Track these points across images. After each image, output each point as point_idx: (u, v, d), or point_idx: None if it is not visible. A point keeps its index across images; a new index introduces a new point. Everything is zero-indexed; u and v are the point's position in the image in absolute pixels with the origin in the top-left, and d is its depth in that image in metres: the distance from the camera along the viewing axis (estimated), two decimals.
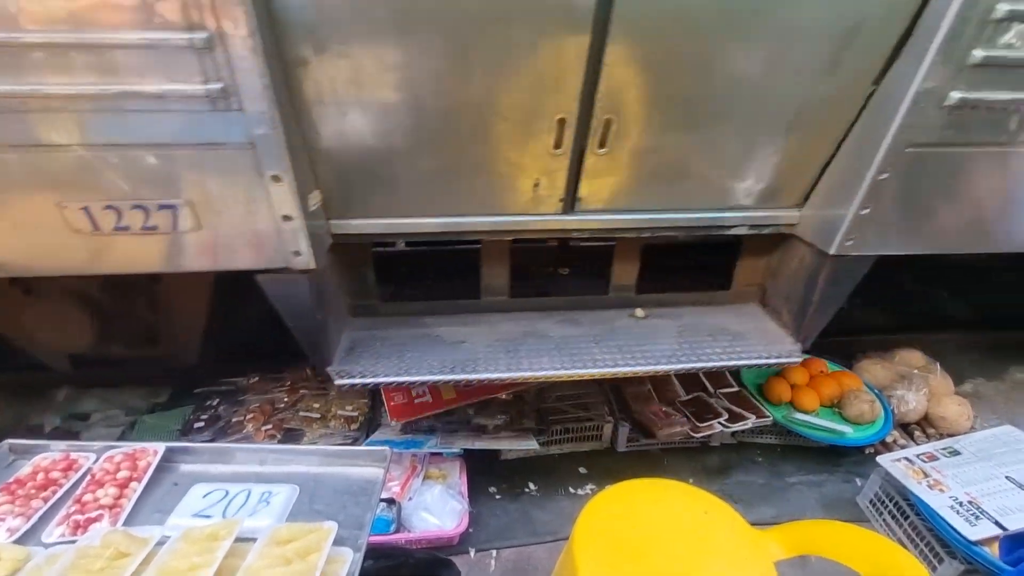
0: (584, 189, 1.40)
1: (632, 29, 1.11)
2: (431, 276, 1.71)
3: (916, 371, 2.11)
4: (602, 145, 1.30)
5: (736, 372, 2.02)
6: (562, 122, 1.24)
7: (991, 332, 2.48)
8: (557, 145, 1.28)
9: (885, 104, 1.22)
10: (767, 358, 1.56)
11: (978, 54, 1.10)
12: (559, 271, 1.75)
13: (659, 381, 2.00)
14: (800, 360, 1.58)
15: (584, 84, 1.18)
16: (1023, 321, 2.47)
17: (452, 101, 1.18)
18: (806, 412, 1.90)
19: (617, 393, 1.98)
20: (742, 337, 1.65)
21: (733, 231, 1.54)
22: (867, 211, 1.33)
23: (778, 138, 1.34)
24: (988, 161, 1.27)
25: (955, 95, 1.15)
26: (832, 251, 1.40)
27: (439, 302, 1.72)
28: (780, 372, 2.00)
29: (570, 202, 1.42)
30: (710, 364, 1.54)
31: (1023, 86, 1.15)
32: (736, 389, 1.97)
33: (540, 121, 1.24)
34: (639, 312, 1.76)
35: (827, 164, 1.40)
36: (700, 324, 1.71)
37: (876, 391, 2.01)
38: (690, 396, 1.94)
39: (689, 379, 2.00)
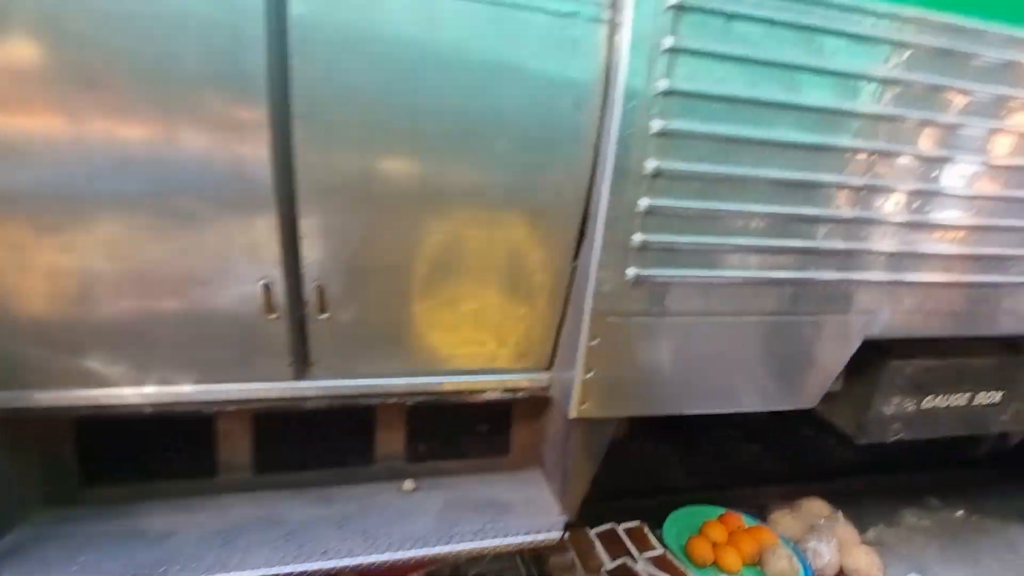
0: (314, 354, 1.33)
1: (323, 203, 1.16)
2: (156, 451, 1.47)
3: (823, 520, 2.13)
4: (322, 310, 1.27)
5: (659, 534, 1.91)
6: (268, 287, 1.21)
7: (881, 476, 2.62)
8: (269, 310, 1.24)
9: (583, 278, 1.33)
10: (525, 535, 1.44)
11: (637, 238, 1.26)
12: (318, 440, 1.59)
13: (582, 549, 1.81)
14: (560, 535, 1.47)
15: (284, 251, 1.19)
16: (907, 464, 2.65)
17: (131, 265, 1.13)
18: (731, 574, 1.82)
19: (540, 565, 1.74)
20: (508, 510, 1.53)
21: (486, 396, 1.52)
22: (591, 375, 1.37)
23: (505, 304, 1.40)
24: (681, 329, 1.39)
25: (631, 272, 1.29)
26: (571, 415, 1.40)
27: (166, 483, 1.47)
28: (700, 530, 1.95)
29: (301, 368, 1.34)
30: (461, 546, 1.38)
31: (677, 263, 1.30)
32: (660, 552, 1.83)
33: (243, 285, 1.20)
34: (408, 484, 1.60)
35: (560, 328, 1.47)
36: (470, 496, 1.58)
37: (792, 545, 1.98)
38: (615, 563, 1.75)
39: (612, 543, 1.84)
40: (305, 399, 1.38)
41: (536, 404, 1.66)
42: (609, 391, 1.40)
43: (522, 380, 1.53)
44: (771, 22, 1.18)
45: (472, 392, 1.50)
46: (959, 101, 1.39)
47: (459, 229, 1.27)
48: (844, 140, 1.32)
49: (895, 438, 1.99)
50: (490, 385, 1.50)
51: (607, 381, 1.39)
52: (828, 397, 2.00)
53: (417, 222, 1.24)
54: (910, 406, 1.96)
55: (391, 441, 1.61)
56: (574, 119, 1.20)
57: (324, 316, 1.28)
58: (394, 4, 1.06)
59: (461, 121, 1.15)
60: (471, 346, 1.44)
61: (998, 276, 1.65)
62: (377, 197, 1.18)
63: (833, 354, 1.57)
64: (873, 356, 1.82)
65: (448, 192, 1.22)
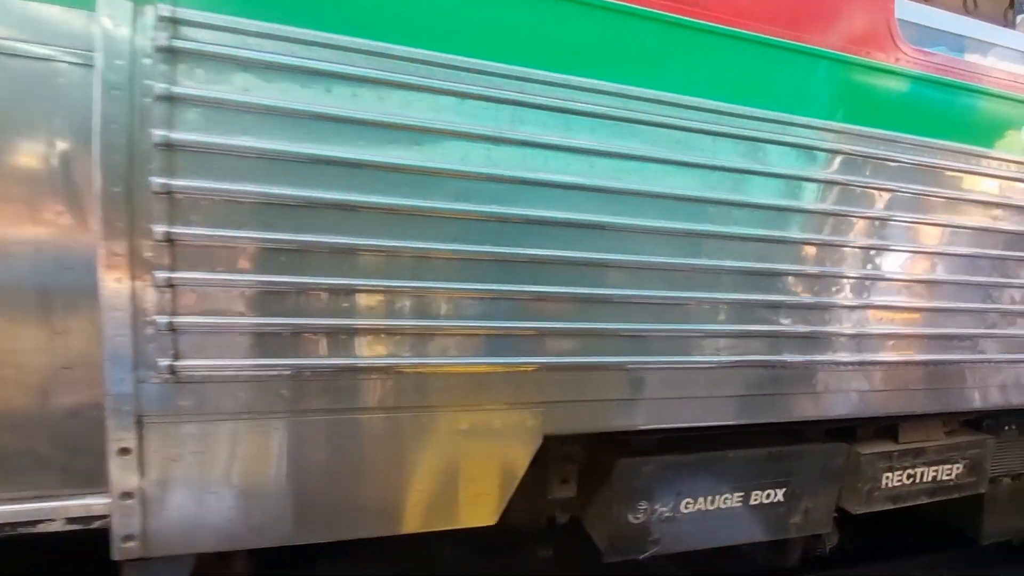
0: None
1: None
2: None
3: None
4: None
5: None
6: None
7: None
8: None
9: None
10: None
11: (162, 320, 1.01)
12: None
13: None
14: None
15: None
16: None
17: None
18: None
19: None
20: None
21: (44, 529, 1.15)
22: (131, 501, 1.04)
23: (33, 405, 1.09)
24: (251, 431, 1.10)
25: (163, 362, 1.02)
26: (114, 555, 1.05)
27: None
28: None
29: None
30: None
31: (222, 350, 1.06)
32: None
33: None
34: None
35: None
36: None
37: None
38: None
39: None
40: None
41: None
42: (169, 520, 1.07)
43: (93, 506, 1.17)
44: (316, 73, 1.03)
45: (16, 526, 1.13)
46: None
47: None
48: (443, 203, 1.15)
49: (652, 552, 1.68)
50: (45, 513, 1.14)
51: (162, 507, 1.06)
52: (581, 504, 1.72)
53: None
54: (665, 512, 1.67)
55: None
56: (66, 175, 0.99)
57: None
58: None
59: None
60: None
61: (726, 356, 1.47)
62: None
63: (502, 456, 1.29)
64: (609, 456, 1.57)
65: None
